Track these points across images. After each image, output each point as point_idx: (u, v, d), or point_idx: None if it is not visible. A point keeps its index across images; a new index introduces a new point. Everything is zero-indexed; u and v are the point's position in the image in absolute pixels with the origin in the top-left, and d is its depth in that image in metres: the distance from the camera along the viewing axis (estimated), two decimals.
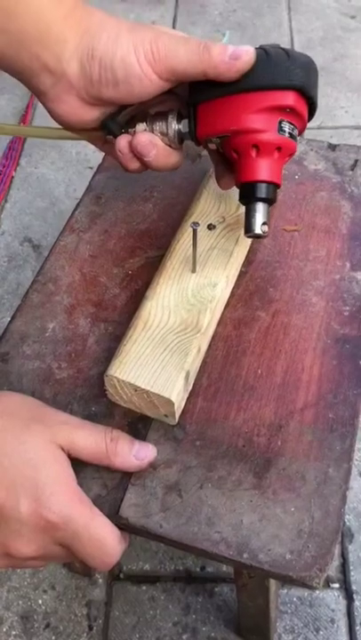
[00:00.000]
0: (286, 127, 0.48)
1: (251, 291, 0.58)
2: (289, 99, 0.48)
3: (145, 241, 0.63)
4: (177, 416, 0.50)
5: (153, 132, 0.51)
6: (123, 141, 0.51)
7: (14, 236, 1.25)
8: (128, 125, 0.52)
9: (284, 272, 0.59)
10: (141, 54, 0.46)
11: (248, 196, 0.51)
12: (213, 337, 0.55)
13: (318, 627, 0.82)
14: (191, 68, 0.46)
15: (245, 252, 0.60)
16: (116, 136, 0.52)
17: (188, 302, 0.53)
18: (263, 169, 0.49)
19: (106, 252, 0.63)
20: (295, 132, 0.50)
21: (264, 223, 0.50)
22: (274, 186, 0.50)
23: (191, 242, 0.53)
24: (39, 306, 0.59)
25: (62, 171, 1.32)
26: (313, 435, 0.49)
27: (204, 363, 0.54)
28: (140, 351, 0.50)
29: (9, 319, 0.59)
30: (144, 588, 0.86)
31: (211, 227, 0.57)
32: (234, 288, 0.58)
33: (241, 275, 0.59)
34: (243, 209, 0.59)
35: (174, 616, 0.83)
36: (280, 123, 0.48)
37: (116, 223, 0.65)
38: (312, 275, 0.59)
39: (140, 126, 0.51)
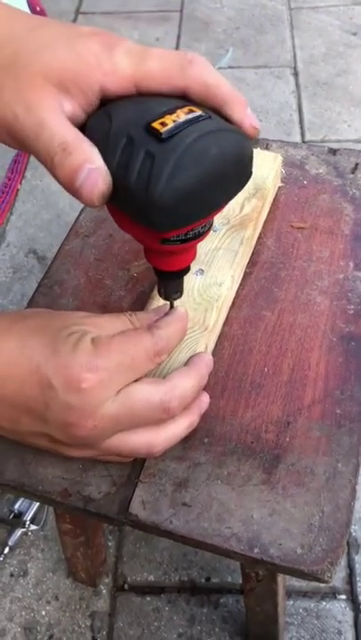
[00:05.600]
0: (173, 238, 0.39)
1: (256, 291, 0.58)
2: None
3: None
4: None
5: None
6: None
7: (19, 248, 1.26)
8: None
9: (288, 272, 0.60)
10: None
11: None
12: (219, 336, 0.55)
13: (325, 638, 0.81)
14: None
15: (250, 253, 0.60)
16: None
17: (194, 301, 0.54)
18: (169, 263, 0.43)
19: (111, 255, 0.63)
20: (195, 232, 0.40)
21: (176, 291, 0.46)
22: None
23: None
24: (45, 308, 0.59)
25: None
26: (321, 431, 0.49)
27: None
28: None
29: None
30: (148, 599, 0.85)
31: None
32: (239, 289, 0.59)
33: (246, 275, 0.60)
34: (246, 209, 0.60)
35: (179, 627, 0.82)
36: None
37: None
38: (316, 275, 0.59)
39: None
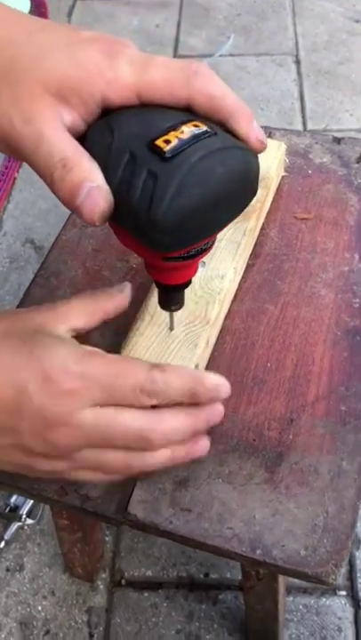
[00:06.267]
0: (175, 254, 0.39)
1: (258, 283, 0.57)
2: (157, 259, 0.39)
3: None
4: None
5: None
6: None
7: (16, 238, 1.24)
8: None
9: (292, 265, 0.58)
10: None
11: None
12: (221, 330, 0.54)
13: (325, 635, 0.80)
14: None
15: (253, 244, 0.59)
16: None
17: (195, 294, 0.52)
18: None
19: (109, 246, 0.62)
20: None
21: (176, 302, 0.46)
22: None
23: None
24: (41, 300, 0.58)
25: None
26: (325, 428, 0.48)
27: (212, 356, 0.52)
28: (148, 344, 0.49)
29: None
30: (146, 594, 0.84)
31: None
32: (241, 281, 0.57)
33: (248, 267, 0.58)
34: None
35: (177, 623, 0.81)
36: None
37: None
38: (320, 267, 0.58)
39: None
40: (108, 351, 0.50)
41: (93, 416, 0.39)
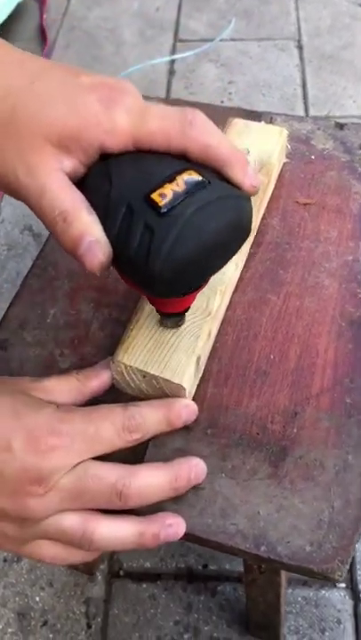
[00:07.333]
0: None
1: (260, 273, 0.56)
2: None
3: None
4: None
5: None
6: None
7: (14, 225, 1.22)
8: None
9: (294, 254, 0.57)
10: None
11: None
12: (223, 321, 0.53)
13: (324, 627, 0.80)
14: None
15: (254, 233, 0.57)
16: None
17: None
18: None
19: None
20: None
21: (177, 324, 0.48)
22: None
23: None
24: (39, 291, 0.57)
25: None
26: (330, 421, 0.47)
27: (214, 348, 0.51)
28: (148, 336, 0.48)
29: None
30: (144, 585, 0.83)
31: None
32: (243, 270, 0.56)
33: (250, 257, 0.57)
34: None
35: (175, 615, 0.81)
36: None
37: None
38: (324, 256, 0.56)
39: None
40: (109, 343, 0.50)
41: (72, 477, 0.39)
